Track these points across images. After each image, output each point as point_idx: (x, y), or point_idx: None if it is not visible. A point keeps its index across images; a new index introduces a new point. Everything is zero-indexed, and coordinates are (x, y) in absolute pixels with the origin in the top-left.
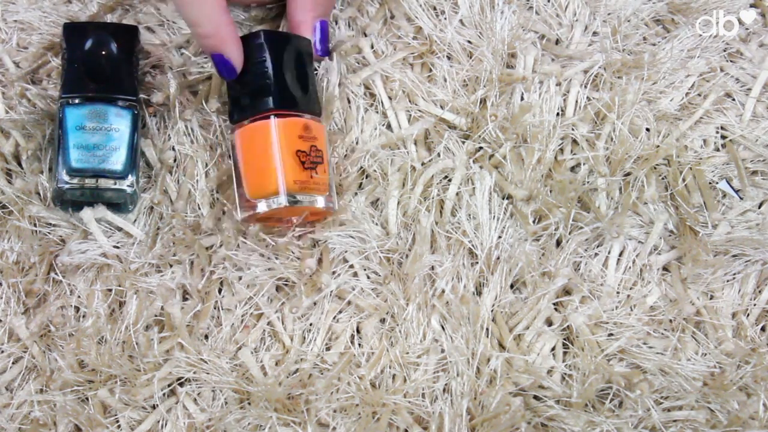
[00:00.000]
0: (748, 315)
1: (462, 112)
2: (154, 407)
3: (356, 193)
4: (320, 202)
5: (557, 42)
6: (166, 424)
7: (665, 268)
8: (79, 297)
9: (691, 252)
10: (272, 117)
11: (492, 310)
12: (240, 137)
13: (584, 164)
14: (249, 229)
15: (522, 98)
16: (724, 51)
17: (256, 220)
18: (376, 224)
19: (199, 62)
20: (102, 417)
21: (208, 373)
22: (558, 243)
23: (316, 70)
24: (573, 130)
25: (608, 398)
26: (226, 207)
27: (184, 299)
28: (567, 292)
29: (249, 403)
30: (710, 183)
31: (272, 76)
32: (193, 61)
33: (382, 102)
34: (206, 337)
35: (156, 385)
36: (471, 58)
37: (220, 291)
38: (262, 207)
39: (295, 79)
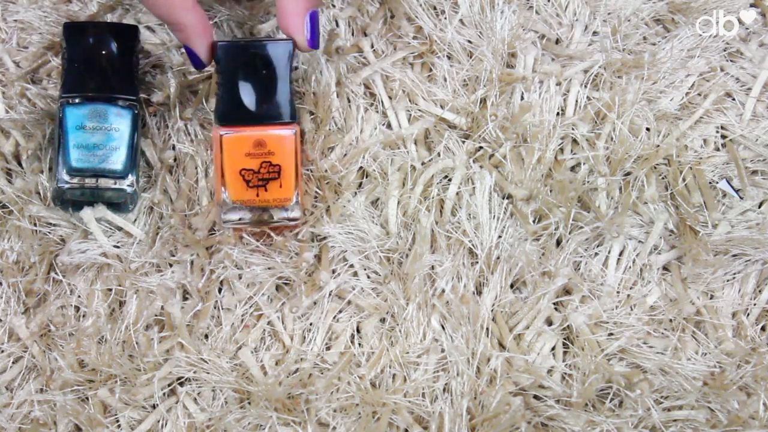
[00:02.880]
0: (748, 315)
1: (462, 111)
2: (154, 407)
3: (356, 193)
4: (276, 215)
5: (557, 42)
6: (166, 424)
7: (665, 268)
8: (79, 297)
9: (691, 252)
10: (220, 132)
11: (492, 310)
12: (212, 138)
13: (584, 164)
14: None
15: (522, 98)
16: (724, 51)
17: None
18: (376, 224)
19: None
20: (102, 417)
21: (208, 373)
22: (558, 243)
23: (296, 67)
24: (573, 129)
25: (608, 398)
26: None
27: (184, 299)
28: (567, 291)
29: (249, 403)
30: (710, 183)
31: (222, 91)
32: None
33: (382, 102)
34: (206, 336)
35: (156, 385)
36: (471, 57)
37: (220, 290)
38: (227, 215)
39: (256, 90)
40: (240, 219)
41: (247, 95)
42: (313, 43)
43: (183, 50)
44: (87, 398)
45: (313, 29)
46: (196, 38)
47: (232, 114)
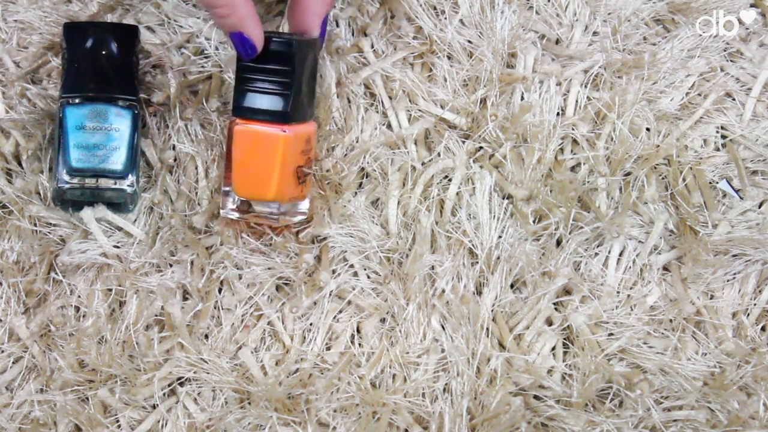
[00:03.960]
0: (748, 315)
1: (462, 111)
2: (154, 407)
3: (356, 193)
4: (304, 206)
5: (557, 42)
6: (166, 424)
7: (665, 268)
8: (79, 297)
9: (691, 252)
10: (282, 131)
11: (492, 310)
12: (239, 135)
13: (584, 164)
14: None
15: (522, 98)
16: (724, 51)
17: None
18: (376, 224)
19: (200, 62)
20: (102, 417)
21: (208, 373)
22: (558, 243)
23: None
24: (573, 129)
25: (608, 398)
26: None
27: (184, 299)
28: (567, 291)
29: (249, 403)
30: (710, 183)
31: (292, 86)
32: (193, 61)
33: (382, 102)
34: (206, 336)
35: (156, 385)
36: (471, 57)
37: (220, 291)
38: (255, 207)
39: (308, 86)
40: (261, 212)
41: (306, 91)
42: (322, 43)
43: (228, 39)
44: (87, 398)
45: (323, 31)
46: (249, 21)
47: (296, 111)
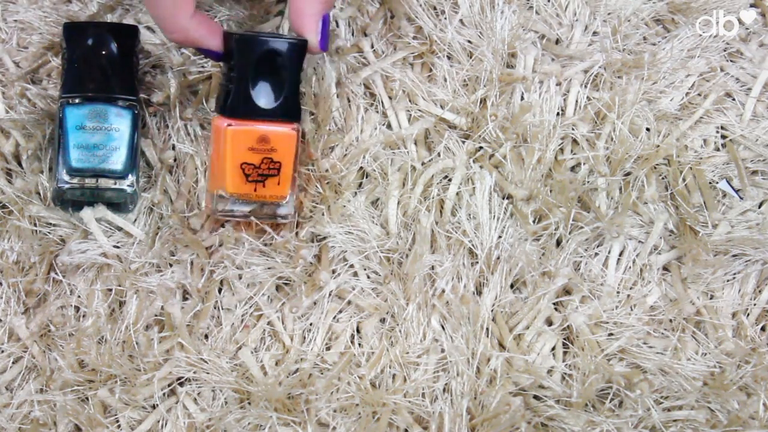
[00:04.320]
0: (748, 315)
1: (462, 111)
2: (154, 407)
3: (356, 193)
4: (284, 210)
5: (557, 42)
6: (166, 424)
7: (665, 268)
8: (79, 297)
9: (691, 252)
10: (226, 124)
11: (492, 310)
12: (212, 127)
13: (584, 164)
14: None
15: (522, 98)
16: (724, 51)
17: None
18: (376, 224)
19: (199, 62)
20: (102, 417)
21: (208, 373)
22: (558, 243)
23: (304, 70)
24: (573, 130)
25: (608, 398)
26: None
27: (184, 299)
28: (567, 291)
29: (249, 403)
30: (710, 183)
31: (233, 82)
32: (193, 61)
33: (382, 102)
34: (206, 336)
35: (156, 385)
36: (471, 58)
37: (220, 291)
38: (216, 204)
39: (267, 85)
40: (232, 211)
41: (258, 90)
42: (324, 45)
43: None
44: (87, 398)
45: (324, 32)
46: (200, 39)
47: (240, 107)
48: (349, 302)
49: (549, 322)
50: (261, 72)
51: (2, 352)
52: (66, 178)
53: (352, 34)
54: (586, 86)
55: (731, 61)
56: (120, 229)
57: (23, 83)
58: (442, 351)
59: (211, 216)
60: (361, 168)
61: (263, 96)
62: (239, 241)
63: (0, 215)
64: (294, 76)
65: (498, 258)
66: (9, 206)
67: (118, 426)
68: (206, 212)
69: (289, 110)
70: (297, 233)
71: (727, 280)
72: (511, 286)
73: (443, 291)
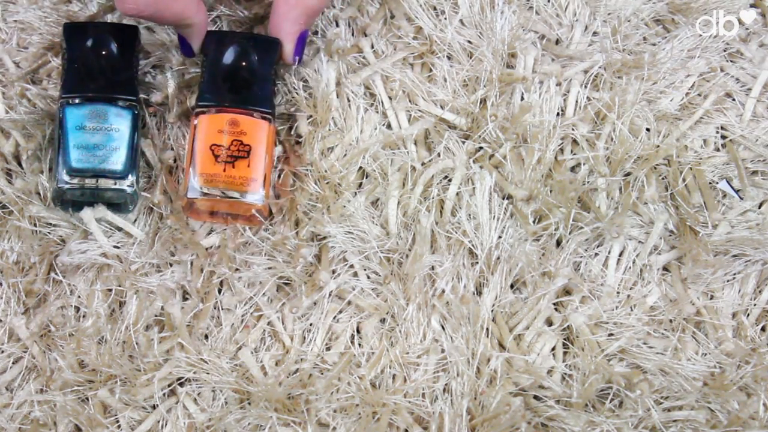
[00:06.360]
0: (748, 315)
1: (462, 112)
2: (154, 407)
3: (356, 193)
4: (239, 197)
5: (557, 42)
6: (166, 424)
7: (665, 268)
8: (79, 297)
9: (691, 252)
10: (196, 109)
11: (492, 310)
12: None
13: (584, 164)
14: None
15: (522, 98)
16: (724, 51)
17: (192, 212)
18: (376, 224)
19: (199, 62)
20: (102, 417)
21: (208, 373)
22: (558, 243)
23: (277, 70)
24: (573, 130)
25: (608, 398)
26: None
27: (184, 299)
28: (567, 292)
29: (249, 403)
30: (710, 183)
31: (204, 74)
32: (193, 61)
33: (382, 102)
34: (206, 337)
35: (156, 385)
36: (471, 58)
37: (220, 291)
38: (190, 193)
39: (237, 76)
40: (205, 194)
41: (228, 80)
42: (297, 56)
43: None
44: (87, 398)
45: (301, 48)
46: (198, 35)
47: (211, 94)
48: (349, 302)
49: (549, 323)
50: (231, 64)
51: (2, 352)
52: (66, 178)
53: (352, 34)
54: (586, 86)
55: (731, 61)
56: (120, 229)
57: (23, 83)
58: (442, 351)
59: (185, 203)
60: (361, 168)
61: (234, 86)
62: (238, 240)
63: (0, 215)
64: (266, 71)
65: (498, 258)
66: (9, 206)
67: (118, 426)
68: (183, 201)
69: (259, 101)
70: (297, 232)
71: (727, 281)
72: (511, 286)
73: (443, 291)
